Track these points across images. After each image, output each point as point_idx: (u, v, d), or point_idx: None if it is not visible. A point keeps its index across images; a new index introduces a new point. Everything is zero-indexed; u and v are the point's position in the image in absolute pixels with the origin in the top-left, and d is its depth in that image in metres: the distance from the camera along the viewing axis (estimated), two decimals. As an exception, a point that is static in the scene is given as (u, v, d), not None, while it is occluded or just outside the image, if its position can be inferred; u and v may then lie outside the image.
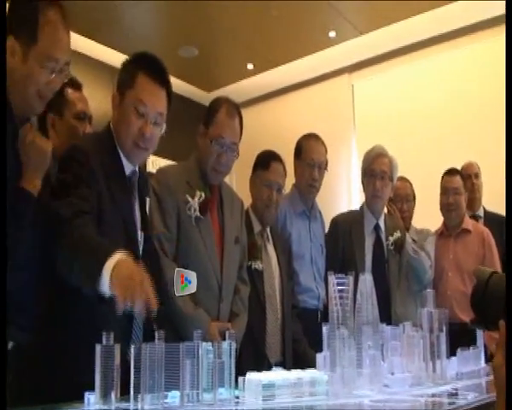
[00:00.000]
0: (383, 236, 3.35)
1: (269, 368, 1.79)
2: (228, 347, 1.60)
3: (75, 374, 1.60)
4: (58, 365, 1.70)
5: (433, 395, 1.75)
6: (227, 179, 2.85)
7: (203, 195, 2.45)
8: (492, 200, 4.08)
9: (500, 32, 4.73)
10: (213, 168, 2.50)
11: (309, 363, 1.90)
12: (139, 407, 1.43)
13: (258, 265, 2.79)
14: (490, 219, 4.13)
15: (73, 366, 1.64)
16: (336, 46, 6.30)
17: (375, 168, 3.32)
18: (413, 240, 3.60)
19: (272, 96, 7.42)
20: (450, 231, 3.84)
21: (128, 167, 1.97)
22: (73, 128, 2.34)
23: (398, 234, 3.35)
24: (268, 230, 2.97)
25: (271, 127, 6.90)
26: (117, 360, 1.45)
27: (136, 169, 2.02)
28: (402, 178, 3.89)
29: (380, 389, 1.76)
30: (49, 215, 1.72)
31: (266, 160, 2.97)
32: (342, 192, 6.35)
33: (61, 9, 1.79)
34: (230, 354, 1.60)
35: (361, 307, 1.85)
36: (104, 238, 1.74)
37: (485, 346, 2.49)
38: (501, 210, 3.40)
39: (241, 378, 1.65)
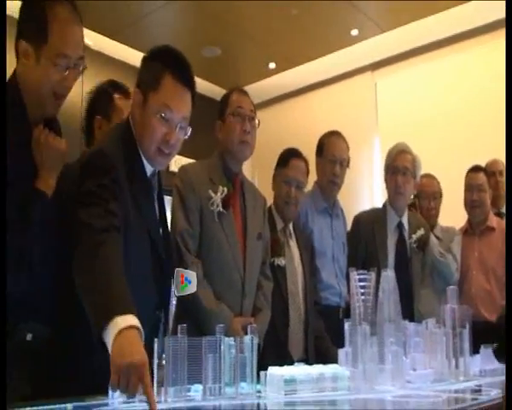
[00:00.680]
0: (406, 234, 3.33)
1: (291, 365, 1.80)
2: (250, 341, 1.62)
3: (98, 368, 1.61)
4: (81, 358, 1.71)
5: (456, 392, 1.75)
6: (249, 179, 2.86)
7: (225, 190, 2.47)
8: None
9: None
10: (240, 140, 2.53)
11: (331, 360, 1.90)
12: (162, 399, 1.45)
13: (280, 261, 2.80)
14: (515, 216, 4.09)
15: (96, 359, 1.66)
16: (359, 44, 6.27)
17: (398, 165, 3.31)
18: (438, 238, 3.57)
19: (294, 95, 7.42)
20: (475, 228, 3.81)
21: (149, 168, 1.91)
22: None
23: (421, 232, 3.33)
24: (290, 226, 2.98)
25: (293, 126, 6.90)
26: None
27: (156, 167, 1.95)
28: (429, 176, 3.86)
29: (402, 384, 1.76)
30: (71, 220, 1.64)
31: (286, 157, 2.99)
32: (364, 192, 6.32)
33: (70, 5, 1.79)
34: (252, 349, 1.62)
35: (383, 303, 1.85)
36: (130, 250, 1.71)
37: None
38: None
39: (263, 373, 1.67)
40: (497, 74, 5.57)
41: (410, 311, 2.93)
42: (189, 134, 1.92)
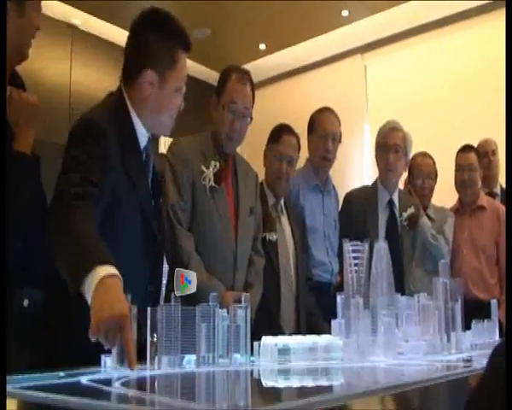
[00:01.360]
0: (397, 211, 3.33)
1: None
2: (243, 312, 1.61)
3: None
4: (73, 328, 1.70)
5: (448, 362, 1.75)
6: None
7: (217, 165, 2.46)
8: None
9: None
10: (227, 136, 2.52)
11: (323, 335, 1.90)
12: (155, 367, 1.44)
13: (272, 236, 2.79)
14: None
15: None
16: (349, 26, 6.25)
17: (389, 142, 3.29)
18: (430, 218, 3.58)
19: (285, 77, 7.40)
20: (466, 208, 3.82)
21: (143, 139, 1.89)
22: None
23: (411, 210, 3.33)
24: (282, 202, 2.98)
25: (284, 108, 6.86)
26: (133, 322, 1.46)
27: (150, 136, 1.95)
28: (424, 154, 3.82)
29: (394, 356, 1.76)
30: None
31: (278, 132, 2.98)
32: (354, 175, 6.33)
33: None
34: (246, 319, 1.61)
35: (376, 275, 1.85)
36: (121, 223, 1.72)
37: (499, 321, 2.48)
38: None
39: (256, 343, 1.66)
40: (487, 56, 5.59)
41: (401, 288, 2.92)
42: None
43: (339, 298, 1.85)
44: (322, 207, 3.19)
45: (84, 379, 1.22)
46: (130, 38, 1.91)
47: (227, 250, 2.46)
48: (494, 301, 2.47)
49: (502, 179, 4.28)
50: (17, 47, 1.80)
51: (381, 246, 1.85)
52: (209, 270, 2.37)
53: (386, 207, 3.33)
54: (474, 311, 2.26)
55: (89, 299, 1.37)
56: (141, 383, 1.28)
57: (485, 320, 2.37)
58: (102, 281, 1.37)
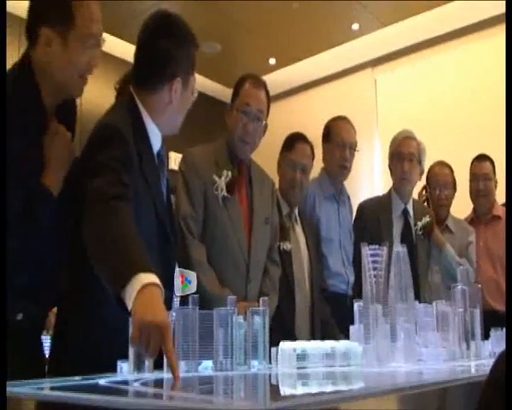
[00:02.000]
0: (411, 220, 3.30)
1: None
2: (261, 317, 1.58)
3: (108, 345, 1.58)
4: (90, 338, 1.69)
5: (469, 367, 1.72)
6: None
7: (230, 174, 2.44)
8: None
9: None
10: (240, 139, 2.50)
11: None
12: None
13: (286, 246, 2.77)
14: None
15: (107, 336, 1.63)
16: (359, 39, 6.25)
17: (403, 150, 3.28)
18: (449, 230, 3.52)
19: (295, 93, 7.38)
20: (481, 217, 3.79)
21: (156, 144, 1.90)
22: None
23: (426, 219, 3.30)
24: (296, 211, 2.96)
25: (294, 123, 6.82)
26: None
27: (163, 144, 1.95)
28: (441, 164, 3.75)
29: (414, 362, 1.73)
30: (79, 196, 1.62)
31: (291, 141, 2.98)
32: (364, 187, 6.28)
33: None
34: (264, 325, 1.58)
35: (394, 280, 1.82)
36: (137, 225, 1.66)
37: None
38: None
39: (273, 349, 1.63)
40: (497, 70, 5.55)
41: (417, 298, 2.89)
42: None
43: (356, 305, 1.82)
44: (338, 216, 3.16)
45: (101, 381, 1.20)
46: (144, 43, 1.92)
47: (240, 260, 2.43)
48: (512, 311, 2.43)
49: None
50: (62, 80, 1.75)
51: (400, 250, 1.83)
52: (221, 280, 2.34)
53: (401, 216, 3.30)
54: (491, 321, 2.23)
55: (129, 305, 1.35)
56: (158, 383, 1.26)
57: (504, 329, 2.34)
58: (145, 289, 1.34)
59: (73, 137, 1.88)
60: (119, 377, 1.34)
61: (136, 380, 1.22)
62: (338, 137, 3.16)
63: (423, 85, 6.20)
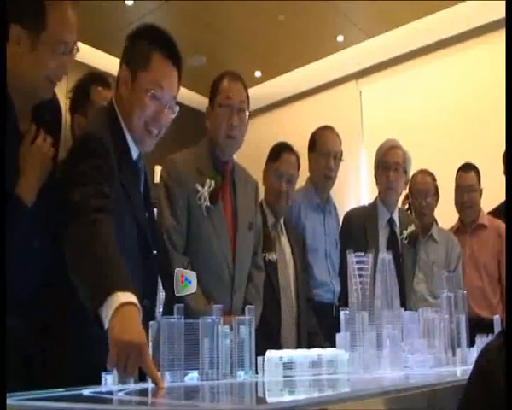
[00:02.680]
0: (397, 229, 3.31)
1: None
2: (247, 326, 1.57)
3: (90, 356, 1.56)
4: (73, 348, 1.67)
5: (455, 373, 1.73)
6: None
7: (213, 183, 2.38)
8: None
9: None
10: (226, 134, 2.44)
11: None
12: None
13: (272, 256, 2.76)
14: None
15: (89, 347, 1.61)
16: (344, 51, 6.29)
17: (389, 160, 3.29)
18: (433, 240, 3.55)
19: (280, 105, 7.42)
20: (466, 226, 3.81)
21: (135, 152, 1.87)
22: None
23: (412, 228, 3.31)
24: (281, 222, 2.95)
25: (280, 135, 6.80)
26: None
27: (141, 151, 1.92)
28: (423, 172, 3.76)
29: (400, 369, 1.73)
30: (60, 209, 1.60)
31: (277, 151, 2.97)
32: (351, 197, 6.30)
33: None
34: (250, 333, 1.58)
35: (380, 287, 1.83)
36: (117, 236, 1.62)
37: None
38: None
39: (260, 358, 1.62)
40: (482, 81, 5.61)
41: (402, 305, 2.90)
42: (176, 113, 1.91)
43: (342, 313, 1.82)
44: (324, 226, 3.16)
45: (86, 392, 1.19)
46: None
47: (224, 272, 2.38)
48: (497, 317, 2.46)
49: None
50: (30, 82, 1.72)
51: (385, 256, 1.83)
52: (206, 293, 2.29)
53: (387, 225, 3.31)
54: (477, 329, 2.24)
55: (106, 323, 1.34)
56: (143, 392, 1.25)
57: (489, 336, 2.35)
58: (122, 308, 1.34)
59: (58, 139, 1.85)
60: (103, 389, 1.33)
61: (120, 390, 1.21)
62: (323, 146, 3.17)
63: (407, 96, 6.24)
